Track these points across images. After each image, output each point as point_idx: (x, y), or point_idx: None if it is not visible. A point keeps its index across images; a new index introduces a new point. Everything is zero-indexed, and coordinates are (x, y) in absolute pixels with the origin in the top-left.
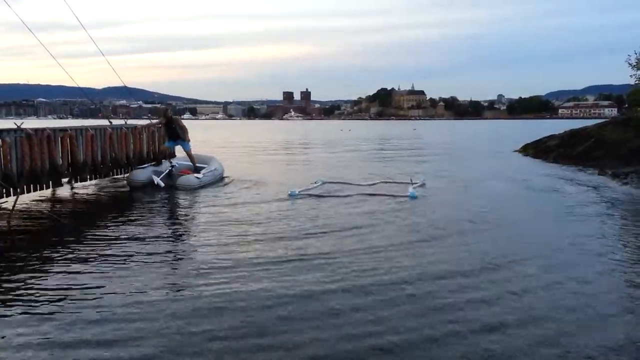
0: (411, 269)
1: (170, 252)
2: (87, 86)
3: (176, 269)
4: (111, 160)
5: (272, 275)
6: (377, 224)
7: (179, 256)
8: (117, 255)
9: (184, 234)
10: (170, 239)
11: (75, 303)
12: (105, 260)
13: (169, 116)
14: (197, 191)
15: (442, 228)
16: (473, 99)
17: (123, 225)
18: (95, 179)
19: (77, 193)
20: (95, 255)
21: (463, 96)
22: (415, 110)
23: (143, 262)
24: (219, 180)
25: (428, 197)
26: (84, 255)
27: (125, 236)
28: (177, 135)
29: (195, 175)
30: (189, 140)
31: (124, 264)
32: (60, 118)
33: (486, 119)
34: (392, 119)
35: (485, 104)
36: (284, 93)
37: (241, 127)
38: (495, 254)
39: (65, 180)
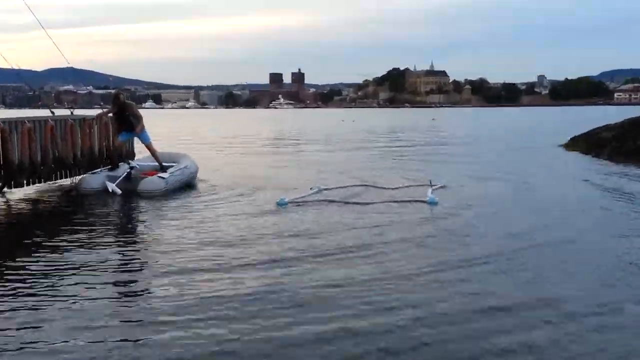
0: (436, 305)
1: (124, 283)
2: (24, 67)
3: (131, 307)
4: (54, 161)
5: (253, 317)
6: (389, 242)
7: (135, 290)
8: (57, 288)
9: (141, 260)
10: (125, 266)
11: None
12: (43, 294)
13: (122, 102)
14: (163, 199)
15: (472, 245)
16: (507, 82)
17: (67, 247)
18: (34, 184)
19: (10, 203)
20: (32, 288)
21: (495, 78)
22: (435, 96)
23: (90, 297)
24: (192, 180)
25: (452, 203)
26: (16, 288)
27: (70, 262)
28: (132, 125)
29: (160, 175)
30: (144, 128)
31: (67, 299)
32: None
33: (523, 105)
34: (407, 107)
35: (523, 87)
36: (271, 75)
37: (217, 118)
38: (542, 282)
39: None
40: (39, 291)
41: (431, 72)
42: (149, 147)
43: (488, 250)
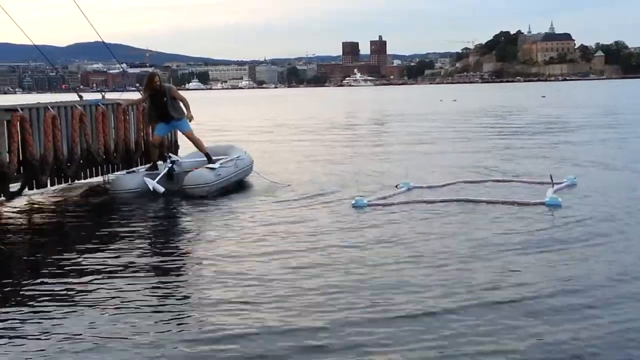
0: None
1: (165, 315)
2: (44, 43)
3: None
4: (83, 156)
5: None
6: (503, 267)
7: (184, 318)
8: (87, 315)
9: (187, 285)
10: (167, 289)
11: None
12: (68, 322)
13: (157, 86)
14: (213, 200)
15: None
16: None
17: (98, 264)
18: (60, 183)
19: (31, 206)
20: (56, 314)
21: (636, 41)
22: (556, 66)
23: (123, 332)
24: (247, 174)
25: (583, 206)
26: (38, 310)
27: (102, 284)
28: (169, 113)
29: (209, 166)
30: (191, 118)
31: (97, 331)
32: (6, 92)
33: None
34: (519, 81)
35: None
36: (345, 45)
37: (277, 101)
38: None
39: (15, 186)
40: (65, 316)
41: (551, 36)
42: (189, 136)
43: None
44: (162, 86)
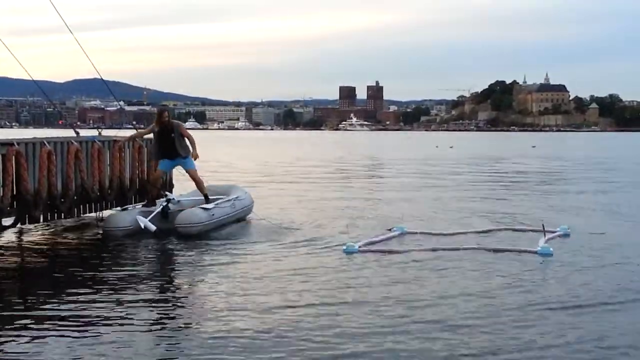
0: None
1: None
2: (43, 79)
3: None
4: (77, 192)
5: None
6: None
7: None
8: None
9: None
10: (158, 330)
11: None
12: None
13: (165, 121)
14: (205, 239)
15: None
16: None
17: (86, 303)
18: (53, 219)
19: (24, 241)
20: (47, 352)
21: (630, 94)
22: (551, 117)
23: None
24: (245, 214)
25: (577, 257)
26: (27, 349)
27: (93, 321)
28: (176, 150)
29: (203, 206)
30: (197, 157)
31: None
32: (2, 126)
33: None
34: (513, 130)
35: None
36: (342, 89)
37: (272, 142)
38: None
39: (8, 221)
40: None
41: (546, 87)
42: (192, 174)
43: None
44: (170, 122)
